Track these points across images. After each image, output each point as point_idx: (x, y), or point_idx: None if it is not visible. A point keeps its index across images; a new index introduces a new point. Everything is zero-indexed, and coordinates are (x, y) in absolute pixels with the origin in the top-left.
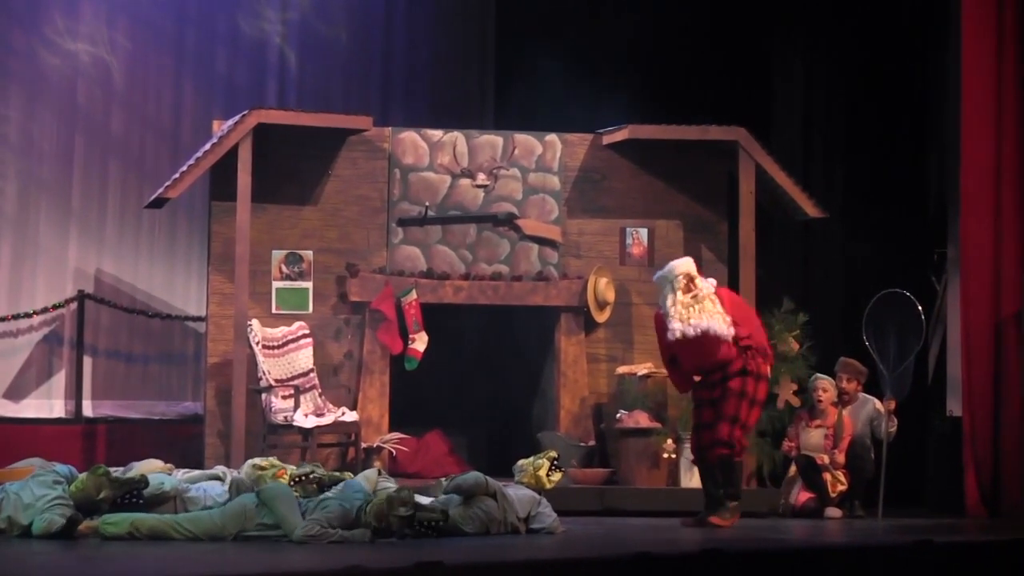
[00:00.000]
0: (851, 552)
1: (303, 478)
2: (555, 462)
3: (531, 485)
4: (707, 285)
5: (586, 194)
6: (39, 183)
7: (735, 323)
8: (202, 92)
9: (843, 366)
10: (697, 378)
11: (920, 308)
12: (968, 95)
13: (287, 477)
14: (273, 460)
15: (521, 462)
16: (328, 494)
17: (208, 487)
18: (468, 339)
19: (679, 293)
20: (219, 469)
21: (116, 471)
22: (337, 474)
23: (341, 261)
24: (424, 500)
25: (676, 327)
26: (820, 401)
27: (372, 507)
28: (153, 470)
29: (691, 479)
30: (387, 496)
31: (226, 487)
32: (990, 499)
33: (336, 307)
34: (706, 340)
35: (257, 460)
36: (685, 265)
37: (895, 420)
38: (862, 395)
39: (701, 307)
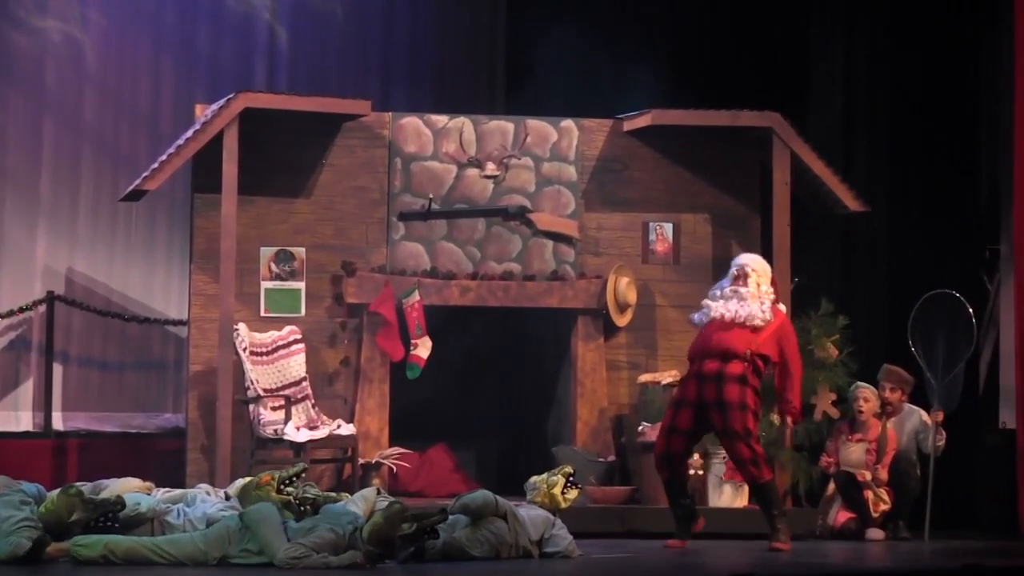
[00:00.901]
0: None
1: (291, 481)
2: (571, 479)
3: (545, 504)
4: (768, 291)
5: (605, 185)
6: (4, 173)
7: (765, 343)
8: (184, 73)
9: (887, 374)
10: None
11: (971, 311)
12: (1021, 78)
13: (274, 483)
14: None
15: (534, 479)
16: (317, 518)
17: (190, 510)
18: (476, 345)
19: (726, 280)
20: (202, 488)
21: (83, 486)
22: (333, 495)
23: (337, 259)
24: None
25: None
26: (861, 412)
27: (372, 531)
28: (130, 489)
29: (720, 498)
30: (384, 516)
31: (210, 509)
32: None
33: (331, 310)
34: (723, 324)
35: (243, 480)
36: (747, 258)
37: (943, 433)
38: (907, 406)
39: (740, 299)
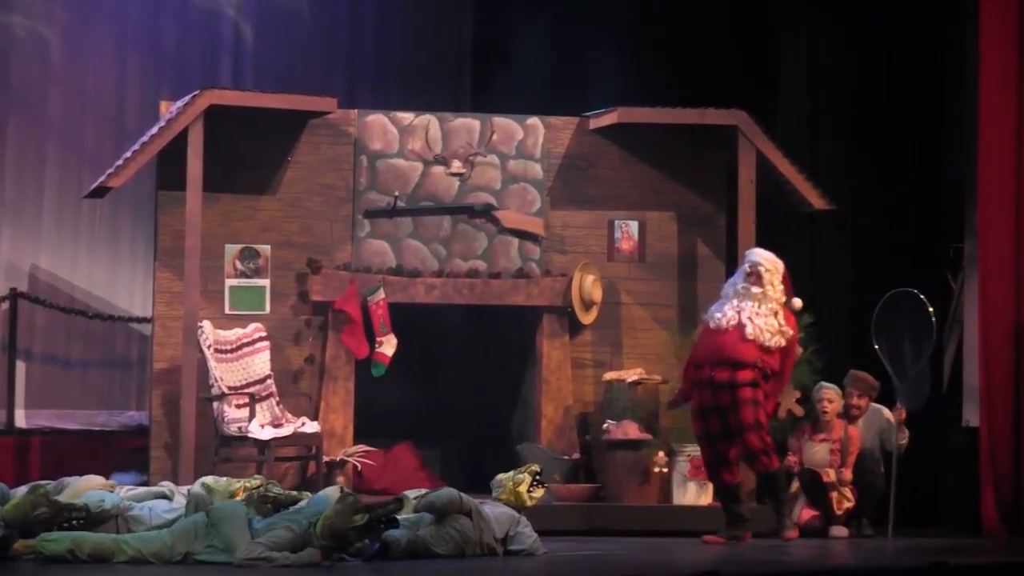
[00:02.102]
0: (859, 575)
1: (257, 492)
2: (537, 477)
3: (510, 502)
4: (780, 293)
5: (571, 183)
6: None
7: (775, 358)
8: (148, 70)
9: (853, 380)
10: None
11: (931, 309)
12: (985, 74)
13: (242, 495)
14: (226, 480)
15: (500, 477)
16: (280, 515)
17: (154, 505)
18: (441, 342)
19: (738, 276)
20: (165, 486)
21: (47, 485)
22: (295, 493)
23: (302, 256)
24: None
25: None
26: (825, 413)
27: (323, 526)
28: (93, 487)
29: (684, 495)
30: (335, 510)
31: (175, 504)
32: (1010, 517)
33: (296, 307)
34: (733, 335)
35: (208, 479)
36: (761, 255)
37: (906, 431)
38: (872, 405)
39: (754, 304)
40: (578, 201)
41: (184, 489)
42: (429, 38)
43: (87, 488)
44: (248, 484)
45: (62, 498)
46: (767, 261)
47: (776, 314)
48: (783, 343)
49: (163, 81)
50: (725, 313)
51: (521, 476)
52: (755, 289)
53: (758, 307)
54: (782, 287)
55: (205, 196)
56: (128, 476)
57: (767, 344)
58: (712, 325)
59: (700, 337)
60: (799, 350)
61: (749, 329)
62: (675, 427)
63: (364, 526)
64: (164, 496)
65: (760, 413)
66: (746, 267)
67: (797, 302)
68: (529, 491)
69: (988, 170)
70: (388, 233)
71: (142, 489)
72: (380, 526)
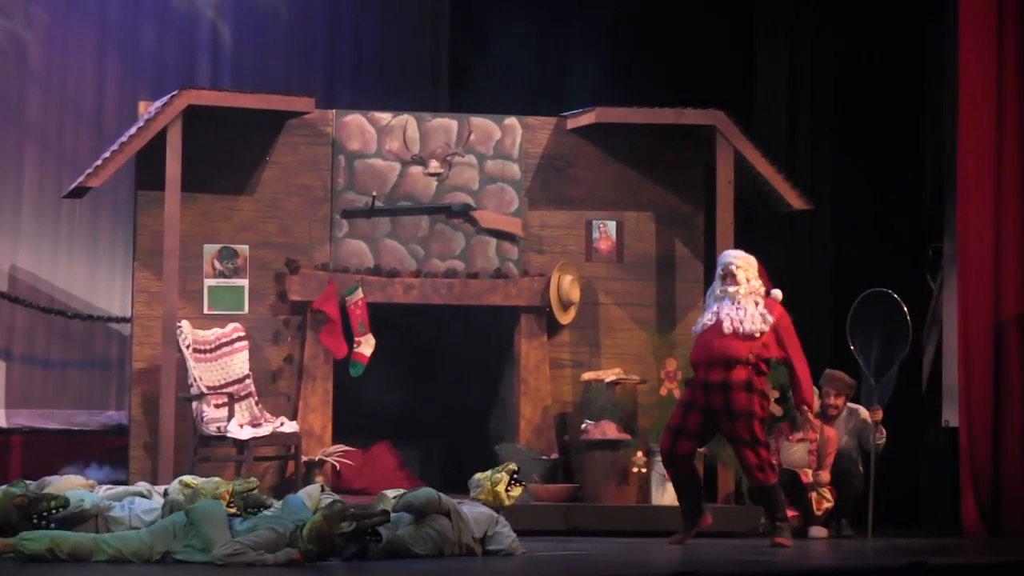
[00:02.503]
0: (838, 575)
1: (244, 495)
2: (515, 476)
3: (489, 502)
4: (758, 285)
5: (549, 183)
6: None
7: (767, 346)
8: (127, 70)
9: (829, 379)
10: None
11: (906, 309)
12: (965, 74)
13: (228, 496)
14: (204, 480)
15: (478, 476)
16: (262, 517)
17: (135, 505)
18: (419, 342)
19: (716, 283)
20: (142, 486)
21: (27, 482)
22: (264, 497)
23: (280, 256)
24: None
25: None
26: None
27: (310, 530)
28: (72, 487)
29: (663, 496)
30: (324, 515)
31: (154, 503)
32: (989, 517)
33: (274, 307)
34: (717, 332)
35: (186, 478)
36: (731, 255)
37: (883, 431)
38: (849, 405)
39: (735, 302)
40: (556, 201)
41: (161, 488)
42: (407, 38)
43: (67, 487)
44: (237, 487)
45: None
46: (738, 259)
47: (756, 304)
48: (766, 328)
49: (141, 81)
50: (707, 317)
51: (499, 475)
52: (731, 288)
53: (736, 303)
54: (759, 281)
55: (183, 196)
56: (101, 473)
57: (747, 331)
58: (698, 330)
59: (692, 345)
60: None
61: (726, 324)
62: (653, 427)
63: (350, 533)
64: (142, 495)
65: (755, 425)
66: (719, 271)
67: (777, 293)
68: (507, 490)
69: (968, 170)
70: (366, 233)
71: (120, 488)
72: (365, 536)
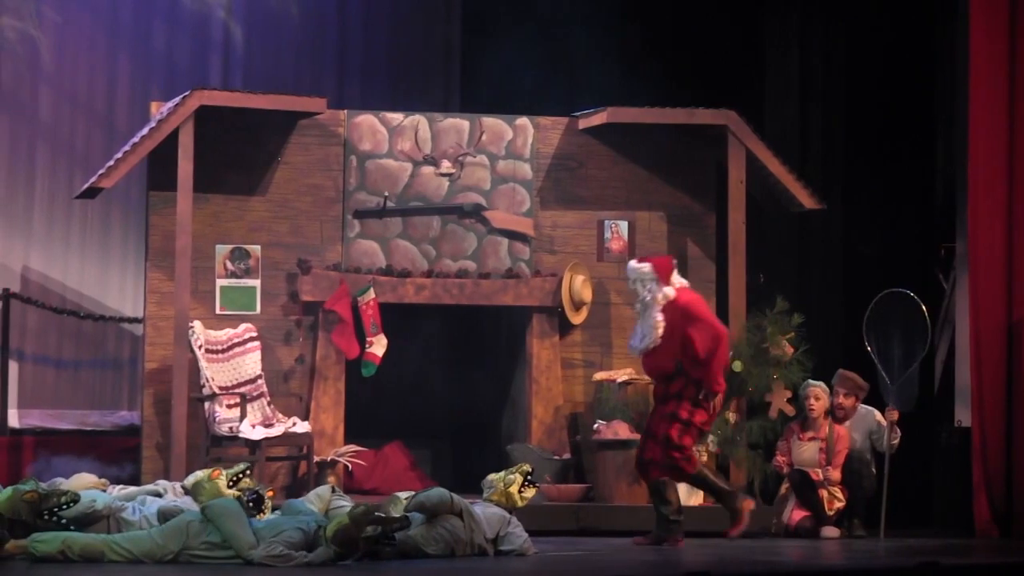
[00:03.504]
0: (849, 575)
1: (239, 478)
2: (529, 477)
3: (501, 503)
4: (655, 291)
5: (561, 183)
6: None
7: (679, 346)
8: (139, 71)
9: (841, 380)
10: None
11: (925, 309)
12: (976, 74)
13: (223, 478)
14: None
15: (491, 477)
16: (280, 518)
17: (145, 506)
18: (431, 342)
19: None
20: (161, 484)
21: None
22: (256, 484)
23: (292, 257)
24: None
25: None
26: (812, 410)
27: (336, 530)
28: (85, 486)
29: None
30: (351, 517)
31: (164, 503)
32: (1002, 517)
33: (286, 307)
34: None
35: (200, 473)
36: (628, 271)
37: (898, 432)
38: (862, 407)
39: (642, 317)
40: (567, 201)
41: (178, 485)
42: (418, 38)
43: (80, 486)
44: (229, 471)
45: None
46: (631, 272)
47: (655, 306)
48: (664, 323)
49: (153, 82)
50: (635, 346)
51: (513, 476)
52: (637, 306)
53: (643, 318)
54: (654, 277)
55: (195, 196)
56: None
57: (652, 343)
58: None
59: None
60: (720, 329)
61: (634, 343)
62: None
63: (374, 537)
64: (158, 494)
65: (673, 427)
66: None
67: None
68: (520, 492)
69: (979, 170)
70: (378, 233)
71: (133, 488)
72: (385, 541)
